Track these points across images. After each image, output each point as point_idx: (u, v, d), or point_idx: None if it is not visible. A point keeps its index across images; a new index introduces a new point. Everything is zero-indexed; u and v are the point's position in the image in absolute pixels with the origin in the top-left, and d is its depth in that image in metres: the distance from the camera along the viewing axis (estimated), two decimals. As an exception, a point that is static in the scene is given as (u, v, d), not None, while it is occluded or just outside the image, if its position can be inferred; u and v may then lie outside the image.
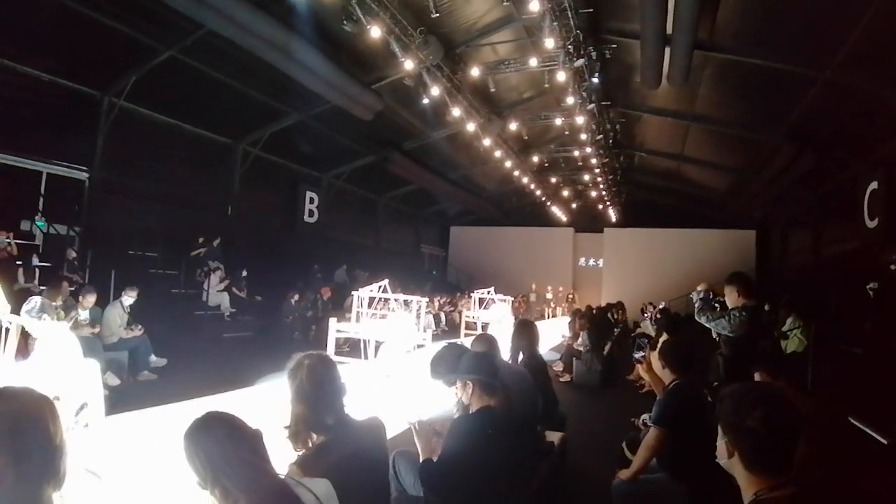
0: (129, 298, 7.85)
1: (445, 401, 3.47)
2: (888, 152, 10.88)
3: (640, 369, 4.56)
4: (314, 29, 10.31)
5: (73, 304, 7.32)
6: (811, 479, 1.74)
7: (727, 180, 18.34)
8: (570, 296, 25.12)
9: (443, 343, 3.70)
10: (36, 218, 10.05)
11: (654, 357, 4.24)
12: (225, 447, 1.60)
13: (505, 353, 4.63)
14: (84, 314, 7.35)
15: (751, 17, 9.61)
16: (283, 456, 2.07)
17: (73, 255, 9.82)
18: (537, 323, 5.58)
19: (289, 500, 1.63)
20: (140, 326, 7.89)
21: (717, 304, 4.61)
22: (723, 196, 19.92)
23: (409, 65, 10.77)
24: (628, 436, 4.20)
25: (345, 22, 9.51)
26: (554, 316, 18.25)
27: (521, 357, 4.61)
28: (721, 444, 1.69)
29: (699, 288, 4.69)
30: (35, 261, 9.11)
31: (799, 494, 1.58)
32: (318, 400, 2.20)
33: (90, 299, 7.42)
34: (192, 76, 11.10)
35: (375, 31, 9.58)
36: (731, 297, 4.53)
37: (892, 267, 9.76)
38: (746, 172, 16.47)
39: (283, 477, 1.71)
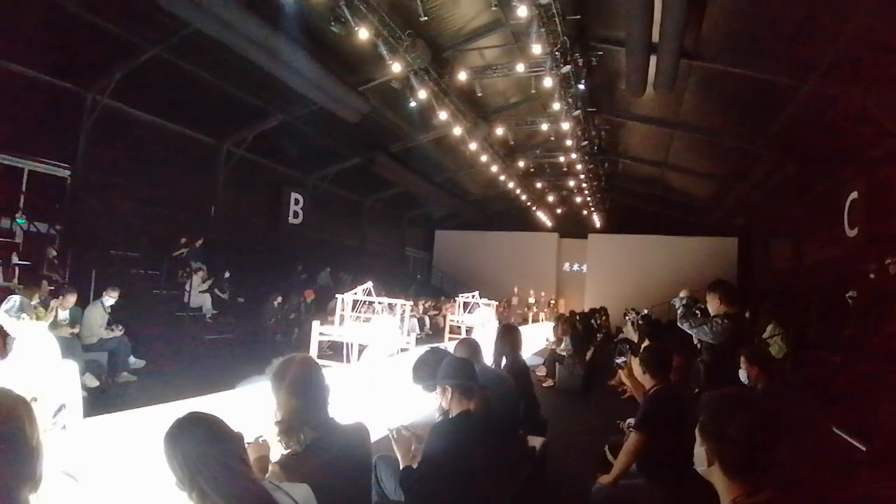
0: (109, 299, 7.78)
1: (427, 406, 3.47)
2: (868, 162, 11.05)
3: (622, 374, 4.58)
4: (301, 30, 10.28)
5: (49, 302, 7.23)
6: (789, 485, 1.76)
7: (710, 188, 18.54)
8: (552, 301, 25.14)
9: (425, 348, 3.71)
10: (16, 216, 9.89)
11: (636, 362, 4.27)
12: (204, 449, 1.59)
13: (488, 357, 4.64)
14: (64, 314, 7.26)
15: (735, 26, 9.73)
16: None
17: (54, 253, 9.68)
18: (520, 328, 5.59)
19: (267, 505, 1.62)
20: (120, 327, 7.81)
21: (698, 311, 4.65)
22: (706, 203, 20.13)
23: (396, 68, 10.76)
24: (611, 440, 4.22)
25: (333, 24, 9.50)
26: (536, 321, 18.20)
27: (504, 362, 4.62)
28: (700, 452, 1.70)
29: (681, 294, 4.73)
30: (14, 259, 8.97)
31: (775, 499, 1.60)
32: (312, 394, 2.20)
33: (70, 299, 7.35)
34: (178, 75, 11.01)
35: (363, 34, 9.57)
36: (713, 305, 4.57)
37: (872, 276, 9.90)
38: (729, 180, 16.66)
39: (262, 481, 1.70)
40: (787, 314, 9.61)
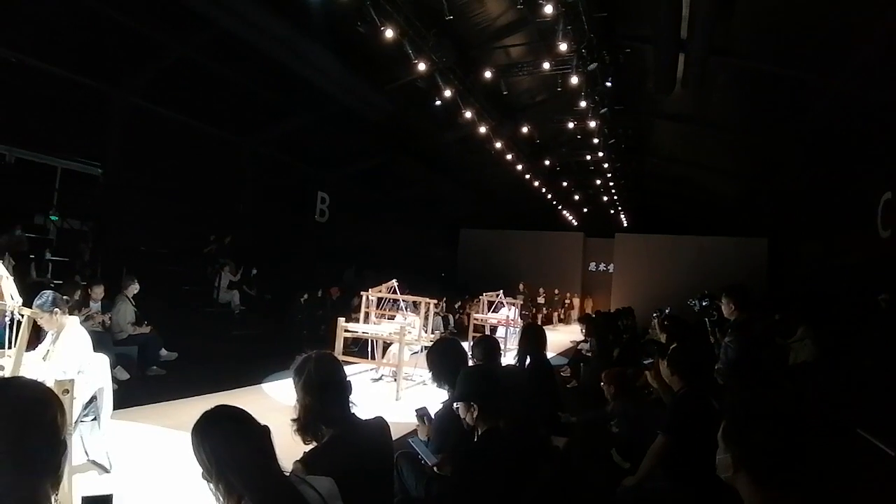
0: (132, 290, 7.92)
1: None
2: (903, 162, 10.78)
3: (649, 376, 4.54)
4: (327, 29, 10.35)
5: (84, 300, 7.41)
6: (816, 491, 1.72)
7: (739, 187, 18.23)
8: (568, 300, 24.64)
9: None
10: (50, 212, 10.15)
11: (663, 364, 4.23)
12: (231, 442, 1.62)
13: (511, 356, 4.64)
14: (95, 306, 7.43)
15: (766, 23, 9.55)
16: (290, 454, 2.08)
17: (87, 251, 9.92)
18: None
19: (292, 498, 1.64)
20: (147, 325, 7.97)
21: (714, 313, 4.69)
22: (735, 203, 19.78)
23: (422, 67, 10.78)
24: (616, 442, 4.21)
25: (359, 23, 9.55)
26: (548, 322, 17.13)
27: (527, 361, 4.61)
28: (724, 459, 1.67)
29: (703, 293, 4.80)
30: (48, 255, 9.21)
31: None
32: (326, 392, 2.22)
33: (98, 291, 7.51)
34: (205, 75, 11.17)
35: (389, 33, 9.60)
36: (727, 309, 4.67)
37: (905, 278, 9.67)
38: (759, 180, 16.36)
39: (287, 474, 1.72)
40: (818, 317, 9.41)
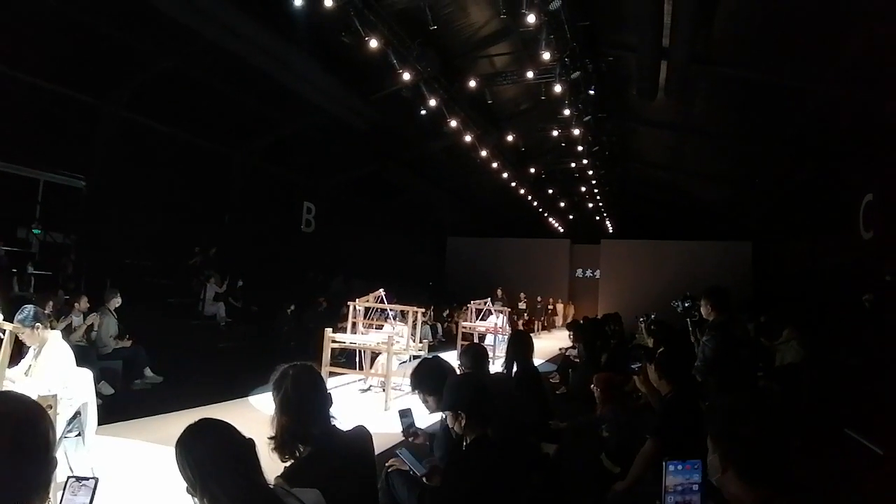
0: (115, 303, 7.84)
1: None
2: (884, 164, 10.92)
3: (637, 381, 4.55)
4: (313, 40, 10.36)
5: (66, 311, 7.33)
6: (804, 490, 1.73)
7: (724, 192, 18.41)
8: (551, 307, 24.46)
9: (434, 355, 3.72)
10: (32, 226, 10.03)
11: (651, 369, 4.24)
12: (216, 455, 1.60)
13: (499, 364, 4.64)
14: (78, 319, 7.34)
15: (747, 30, 9.68)
16: (273, 467, 2.05)
17: (70, 265, 9.81)
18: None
19: (279, 511, 1.62)
20: (129, 339, 7.89)
21: (696, 314, 4.84)
22: (720, 208, 19.97)
23: (406, 76, 10.81)
24: (606, 447, 4.21)
25: (343, 34, 9.57)
26: (529, 330, 16.77)
27: (514, 368, 4.61)
28: (713, 459, 1.68)
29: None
30: (30, 269, 9.10)
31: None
32: (303, 410, 2.18)
33: (82, 303, 7.43)
34: (191, 86, 11.13)
35: (373, 43, 9.62)
36: (706, 310, 4.84)
37: (888, 278, 9.78)
38: (743, 184, 16.53)
39: (272, 486, 1.70)
40: (803, 318, 9.50)
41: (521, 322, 18.15)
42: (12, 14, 8.46)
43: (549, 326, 23.13)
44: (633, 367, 4.80)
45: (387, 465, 3.00)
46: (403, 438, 3.51)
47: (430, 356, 3.59)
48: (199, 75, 10.99)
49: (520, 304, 21.34)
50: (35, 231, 9.99)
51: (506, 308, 14.66)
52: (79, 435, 4.32)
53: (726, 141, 14.26)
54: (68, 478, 1.36)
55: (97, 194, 10.95)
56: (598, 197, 20.93)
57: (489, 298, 14.02)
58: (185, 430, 1.66)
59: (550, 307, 24.50)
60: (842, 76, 9.20)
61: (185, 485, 1.61)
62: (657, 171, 19.00)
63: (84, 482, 1.37)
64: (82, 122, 10.69)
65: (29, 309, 4.06)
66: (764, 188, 15.38)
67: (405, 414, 3.42)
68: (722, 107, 12.72)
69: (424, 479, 2.99)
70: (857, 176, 11.93)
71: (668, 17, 9.07)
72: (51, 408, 2.83)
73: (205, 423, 1.70)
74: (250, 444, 1.68)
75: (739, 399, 1.75)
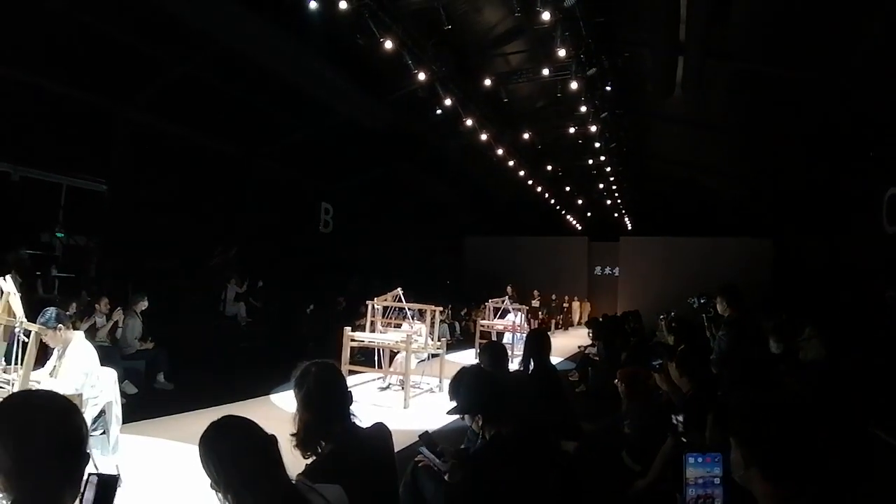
0: (141, 306, 7.96)
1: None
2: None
3: (657, 378, 4.53)
4: (328, 43, 10.42)
5: (89, 312, 7.44)
6: (828, 488, 1.71)
7: (743, 188, 18.21)
8: (566, 304, 23.98)
9: (457, 354, 3.71)
10: (56, 229, 10.21)
11: (671, 366, 4.23)
12: (239, 451, 1.62)
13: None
14: (101, 320, 7.46)
15: (763, 24, 9.57)
16: (296, 465, 2.08)
17: (93, 267, 9.98)
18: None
19: (301, 506, 1.64)
20: (152, 342, 8.00)
21: (711, 310, 5.14)
22: (739, 204, 19.75)
23: (421, 76, 10.83)
24: (627, 444, 4.20)
25: (358, 36, 9.61)
26: (544, 328, 15.93)
27: (531, 366, 4.61)
28: (736, 456, 1.66)
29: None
30: (54, 271, 9.26)
31: (816, 502, 1.56)
32: (325, 407, 2.22)
33: (104, 305, 7.55)
34: (207, 90, 11.24)
35: (388, 44, 9.65)
36: (721, 307, 5.12)
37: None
38: (762, 180, 16.35)
39: (295, 482, 1.73)
40: (825, 316, 9.37)
41: (533, 321, 17.69)
42: (32, 23, 8.62)
43: (564, 325, 22.59)
44: (653, 364, 4.78)
45: (416, 460, 3.01)
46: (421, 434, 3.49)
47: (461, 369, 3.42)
48: (215, 79, 11.09)
49: (533, 301, 20.44)
50: (59, 234, 10.16)
51: (523, 306, 14.58)
52: (104, 433, 4.40)
53: (744, 136, 14.09)
54: (90, 475, 1.39)
55: (118, 198, 11.11)
56: (616, 194, 20.80)
57: (506, 297, 13.96)
58: (208, 427, 1.69)
59: (566, 305, 24.06)
60: (861, 67, 9.07)
61: (209, 481, 1.64)
62: (675, 167, 18.85)
63: (105, 479, 1.40)
64: (102, 127, 10.85)
65: (50, 311, 4.12)
66: (784, 183, 15.19)
67: (426, 439, 3.19)
68: (739, 102, 12.58)
69: (446, 477, 3.00)
70: (879, 169, 11.75)
71: (684, 10, 9.00)
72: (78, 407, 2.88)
73: (228, 419, 1.73)
74: (272, 440, 1.70)
75: (761, 397, 1.73)
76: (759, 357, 5.29)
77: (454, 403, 3.10)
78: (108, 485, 1.38)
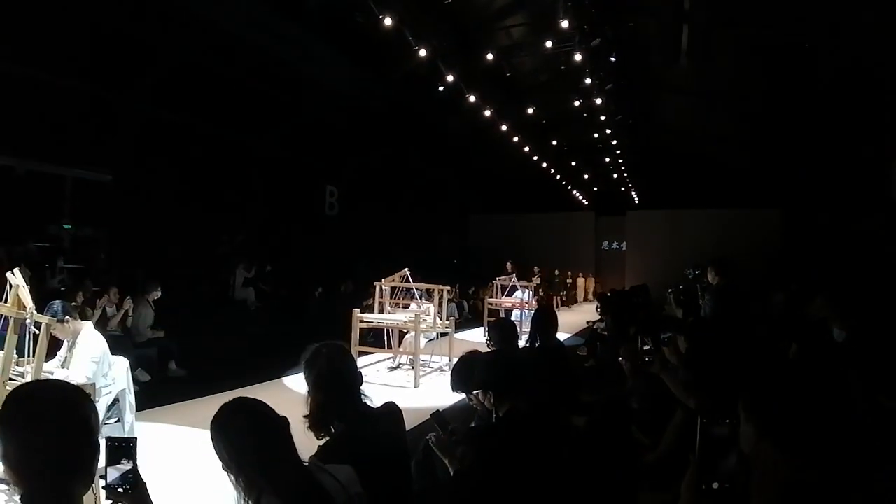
0: (154, 295, 8.00)
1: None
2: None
3: (667, 352, 4.52)
4: (327, 23, 10.32)
5: (96, 299, 7.48)
6: (841, 462, 1.70)
7: (751, 159, 18.03)
8: (570, 280, 23.55)
9: (465, 332, 3.71)
10: (63, 221, 10.26)
11: (680, 339, 4.22)
12: (250, 432, 1.63)
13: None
14: (111, 309, 7.50)
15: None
16: (308, 447, 2.09)
17: (101, 258, 10.04)
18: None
19: (312, 487, 1.65)
20: (162, 330, 8.04)
21: (705, 281, 5.93)
22: (746, 175, 19.57)
23: (423, 53, 10.72)
24: (637, 418, 4.20)
25: (357, 14, 9.51)
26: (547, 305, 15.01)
27: (538, 343, 4.62)
28: (746, 429, 1.65)
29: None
30: (61, 263, 9.31)
31: (829, 475, 1.55)
32: (337, 387, 2.22)
33: (114, 294, 7.59)
34: (209, 77, 11.19)
35: (388, 21, 9.54)
36: (711, 276, 5.70)
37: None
38: (770, 150, 16.18)
39: (306, 464, 1.74)
40: (835, 285, 9.30)
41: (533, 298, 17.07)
42: (34, 14, 8.57)
43: (568, 302, 21.88)
44: (662, 337, 4.77)
45: (427, 437, 3.01)
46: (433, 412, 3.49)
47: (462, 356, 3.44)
48: (216, 66, 11.04)
49: (534, 278, 18.88)
50: (66, 226, 10.21)
51: (531, 282, 14.54)
52: (118, 421, 4.45)
53: (751, 105, 13.93)
54: (106, 438, 1.41)
55: (124, 188, 11.12)
56: (623, 167, 20.64)
57: (514, 274, 13.95)
58: (219, 410, 1.70)
59: (570, 280, 23.40)
60: (869, 32, 8.90)
61: (220, 464, 1.65)
62: (682, 138, 18.68)
63: (123, 443, 1.43)
64: (106, 117, 10.82)
65: (56, 305, 4.11)
66: (791, 153, 15.02)
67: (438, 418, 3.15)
68: (746, 70, 12.40)
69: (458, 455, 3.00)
70: (887, 136, 11.60)
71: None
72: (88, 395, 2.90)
73: (239, 401, 1.74)
74: (283, 421, 1.71)
75: (772, 371, 1.72)
76: (739, 319, 5.58)
77: (458, 387, 3.13)
78: (125, 446, 1.42)
